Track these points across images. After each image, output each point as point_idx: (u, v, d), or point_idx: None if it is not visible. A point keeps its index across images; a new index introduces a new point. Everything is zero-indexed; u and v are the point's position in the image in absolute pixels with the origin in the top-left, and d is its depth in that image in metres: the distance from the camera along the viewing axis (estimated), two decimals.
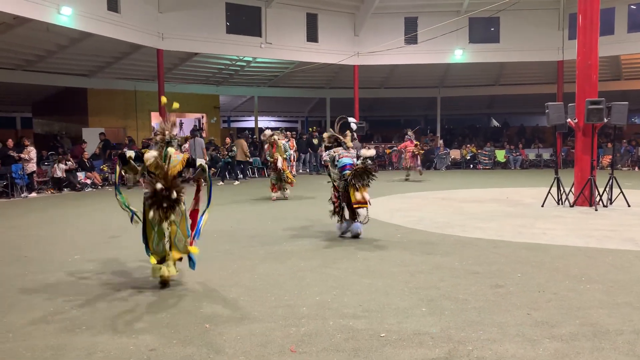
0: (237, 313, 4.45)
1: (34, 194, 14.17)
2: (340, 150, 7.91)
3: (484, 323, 4.12)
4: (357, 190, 7.39)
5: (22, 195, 13.74)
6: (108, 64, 18.92)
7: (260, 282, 5.40)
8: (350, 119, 8.43)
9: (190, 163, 5.40)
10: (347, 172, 7.57)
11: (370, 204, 7.56)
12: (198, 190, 5.72)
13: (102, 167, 16.88)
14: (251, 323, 4.20)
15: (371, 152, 7.77)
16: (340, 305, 4.59)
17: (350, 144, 8.04)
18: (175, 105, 5.38)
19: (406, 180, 16.73)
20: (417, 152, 16.95)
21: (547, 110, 10.50)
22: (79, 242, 7.64)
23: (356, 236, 7.64)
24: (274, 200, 12.15)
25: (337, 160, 7.76)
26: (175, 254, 5.27)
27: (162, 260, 5.22)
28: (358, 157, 7.72)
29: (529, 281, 5.26)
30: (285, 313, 4.42)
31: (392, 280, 5.37)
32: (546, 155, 22.92)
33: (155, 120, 21.20)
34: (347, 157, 7.74)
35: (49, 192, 14.72)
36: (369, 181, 7.47)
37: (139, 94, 21.05)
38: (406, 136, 17.62)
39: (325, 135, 8.47)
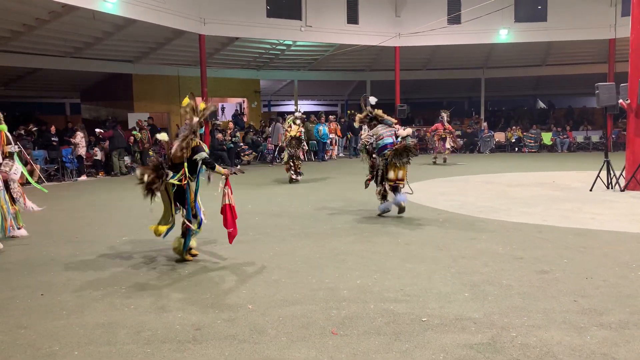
0: (279, 295, 4.51)
1: (83, 177, 14.66)
2: (380, 129, 7.91)
3: (528, 309, 4.04)
4: (398, 168, 7.59)
5: (73, 179, 14.24)
6: (152, 50, 19.25)
7: (301, 264, 5.46)
8: (371, 98, 8.39)
9: (195, 151, 5.52)
10: (387, 151, 7.63)
11: (405, 184, 7.75)
12: (225, 185, 5.72)
13: (150, 152, 17.27)
14: (293, 305, 4.26)
15: (407, 131, 7.90)
16: (381, 289, 4.59)
17: (391, 119, 8.09)
18: (185, 101, 5.79)
19: (434, 164, 16.44)
20: (443, 136, 16.66)
21: (597, 91, 10.10)
22: (127, 224, 7.88)
23: (401, 210, 7.77)
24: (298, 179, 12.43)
25: (378, 141, 7.80)
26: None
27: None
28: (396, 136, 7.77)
29: (576, 267, 5.12)
30: (326, 296, 4.46)
31: (434, 264, 5.33)
32: (595, 137, 22.09)
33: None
34: (388, 136, 7.80)
35: (99, 175, 15.19)
36: (408, 159, 7.62)
37: (182, 79, 21.37)
38: (439, 118, 17.36)
39: (359, 116, 8.46)
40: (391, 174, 7.68)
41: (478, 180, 12.47)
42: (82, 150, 14.71)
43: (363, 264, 5.43)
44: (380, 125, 8.02)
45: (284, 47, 21.81)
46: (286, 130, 12.55)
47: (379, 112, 8.20)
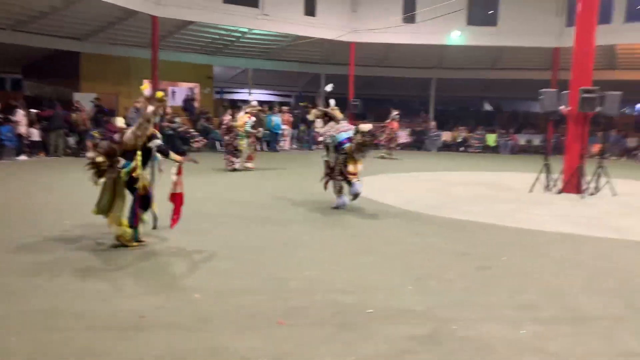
0: (227, 284, 4.51)
1: (23, 157, 14.05)
2: (338, 125, 8.11)
3: (468, 303, 4.21)
4: (355, 162, 7.79)
5: (12, 158, 13.61)
6: (102, 29, 18.57)
7: (251, 254, 5.46)
8: (328, 85, 8.54)
9: (149, 139, 5.48)
10: (347, 145, 7.80)
11: (359, 176, 7.92)
12: (177, 173, 5.71)
13: (93, 132, 16.71)
14: (241, 295, 4.27)
15: (368, 126, 8.06)
16: (329, 281, 4.67)
17: (340, 115, 8.34)
18: (145, 86, 5.65)
19: (381, 157, 16.97)
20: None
21: (541, 97, 10.55)
22: (69, 208, 7.63)
23: (356, 196, 7.92)
24: (253, 168, 12.59)
25: (336, 135, 7.97)
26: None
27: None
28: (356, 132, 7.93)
29: (514, 265, 5.37)
30: (275, 286, 4.49)
31: (382, 258, 5.46)
32: (537, 141, 23.03)
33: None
34: (344, 131, 7.99)
35: (39, 155, 14.59)
36: (365, 154, 7.84)
37: (132, 60, 20.74)
38: (395, 115, 18.08)
39: (313, 112, 8.59)
40: (351, 168, 7.86)
41: (425, 177, 12.79)
42: (22, 129, 14.09)
43: (313, 255, 5.49)
44: (332, 122, 8.17)
45: (240, 35, 21.54)
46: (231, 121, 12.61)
47: (335, 111, 8.34)
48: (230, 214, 7.47)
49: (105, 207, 5.48)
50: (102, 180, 5.42)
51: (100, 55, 19.95)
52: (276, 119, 19.25)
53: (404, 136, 22.68)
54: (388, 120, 18.12)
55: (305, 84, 31.28)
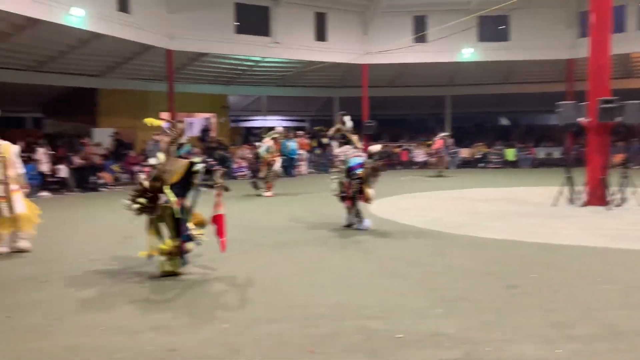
0: (253, 313, 4.48)
1: (46, 193, 14.27)
2: (349, 149, 8.22)
3: (500, 324, 4.12)
4: (369, 187, 7.85)
5: (36, 195, 13.83)
6: (118, 65, 19.03)
7: (275, 281, 5.43)
8: (346, 117, 8.67)
9: (190, 170, 5.55)
10: (359, 171, 7.77)
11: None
12: (217, 195, 5.77)
13: (113, 167, 16.98)
14: (268, 323, 4.23)
15: (377, 147, 8.32)
16: (356, 306, 4.61)
17: (358, 143, 8.42)
18: (155, 122, 5.81)
19: (438, 176, 17.77)
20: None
21: (558, 110, 10.46)
22: (94, 242, 7.70)
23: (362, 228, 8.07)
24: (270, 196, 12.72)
25: (348, 160, 8.04)
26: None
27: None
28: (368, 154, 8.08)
29: (543, 282, 5.26)
30: (302, 313, 4.45)
31: (407, 280, 5.39)
32: (556, 154, 22.80)
33: (165, 120, 21.28)
34: (357, 156, 8.07)
35: (62, 192, 14.80)
36: (376, 178, 7.94)
37: (149, 94, 21.14)
38: (441, 135, 18.76)
39: (332, 130, 8.69)
40: (367, 193, 7.89)
41: (445, 195, 12.69)
42: (44, 167, 14.34)
43: (336, 280, 5.44)
44: (348, 146, 8.27)
45: (253, 63, 21.88)
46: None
47: (353, 136, 8.45)
48: (250, 241, 7.46)
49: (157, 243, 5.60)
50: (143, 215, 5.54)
51: (118, 90, 20.40)
52: (292, 144, 19.35)
53: (421, 155, 22.66)
54: (436, 139, 18.38)
55: (319, 107, 31.49)
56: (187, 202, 5.62)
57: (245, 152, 18.95)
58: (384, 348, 3.71)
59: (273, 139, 13.02)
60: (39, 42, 15.44)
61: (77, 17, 13.50)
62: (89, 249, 7.16)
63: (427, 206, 10.90)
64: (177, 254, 5.60)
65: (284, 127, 14.09)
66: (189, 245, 5.65)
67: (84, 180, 15.17)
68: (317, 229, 8.36)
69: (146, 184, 5.58)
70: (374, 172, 7.84)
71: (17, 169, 7.04)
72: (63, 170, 14.92)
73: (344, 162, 8.09)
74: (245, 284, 5.35)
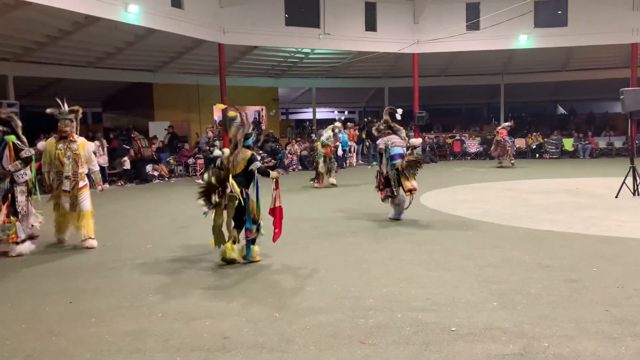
0: (304, 303, 4.51)
1: (106, 185, 14.82)
2: (393, 138, 8.19)
3: (559, 319, 3.98)
4: (408, 179, 7.87)
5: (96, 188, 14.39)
6: (172, 59, 19.47)
7: (326, 272, 5.45)
8: (398, 110, 8.67)
9: (251, 161, 5.77)
10: (398, 161, 7.94)
11: (416, 191, 8.09)
12: (275, 188, 5.92)
13: (168, 159, 17.45)
14: (319, 313, 4.25)
15: (418, 140, 8.47)
16: (407, 298, 4.56)
17: (404, 132, 8.43)
18: (220, 105, 5.89)
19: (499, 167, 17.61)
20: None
21: (622, 96, 9.97)
22: (151, 232, 7.96)
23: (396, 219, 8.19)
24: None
25: (390, 148, 8.08)
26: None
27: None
28: (407, 147, 8.13)
29: (605, 276, 5.04)
30: (353, 304, 4.44)
31: (460, 273, 5.28)
32: (618, 143, 21.78)
33: (217, 113, 21.70)
34: (398, 146, 8.11)
35: (120, 183, 15.35)
36: (416, 171, 7.95)
37: (201, 87, 21.57)
38: (505, 125, 18.39)
39: (379, 123, 8.70)
40: (407, 184, 7.90)
41: (500, 187, 12.35)
42: (100, 159, 14.86)
43: (388, 272, 5.40)
44: (393, 135, 8.25)
45: (303, 55, 21.90)
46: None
47: (400, 128, 8.44)
48: (301, 232, 7.50)
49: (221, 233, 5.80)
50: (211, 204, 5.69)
51: (171, 84, 20.93)
52: (342, 135, 19.30)
53: (474, 145, 22.16)
54: (499, 128, 18.17)
55: (369, 98, 31.30)
56: (251, 191, 5.80)
57: (295, 147, 19.04)
58: (436, 341, 3.66)
59: (333, 132, 13.10)
60: (97, 39, 15.99)
61: (132, 14, 13.88)
62: (146, 239, 7.40)
63: (481, 198, 10.65)
64: (238, 242, 5.84)
65: (341, 119, 14.08)
66: (253, 233, 5.83)
67: (139, 172, 15.62)
68: (367, 221, 8.32)
69: (212, 179, 5.73)
70: (414, 164, 7.85)
71: (92, 166, 7.15)
72: (123, 163, 15.40)
73: (385, 150, 8.10)
74: (298, 275, 5.40)
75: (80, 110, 7.20)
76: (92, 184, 7.41)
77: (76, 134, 7.08)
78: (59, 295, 4.91)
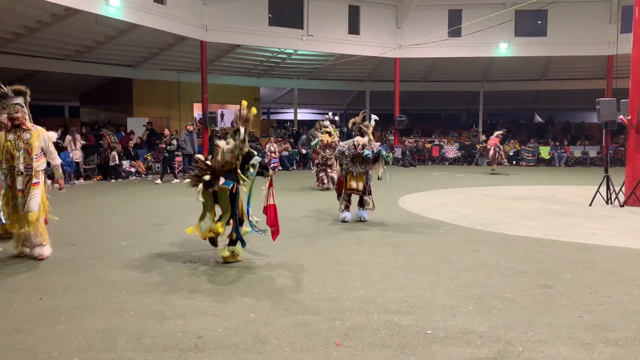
0: (280, 304, 4.46)
1: (81, 181, 14.59)
2: (361, 140, 8.26)
3: (533, 324, 4.00)
4: (356, 179, 8.15)
5: (71, 182, 14.16)
6: (153, 55, 19.27)
7: (303, 273, 5.41)
8: (373, 115, 8.72)
9: (247, 158, 5.76)
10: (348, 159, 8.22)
11: (360, 193, 8.27)
12: (268, 186, 5.91)
13: (146, 156, 17.23)
14: (295, 314, 4.21)
15: (363, 140, 8.33)
16: (384, 300, 4.55)
17: (371, 136, 8.47)
18: (254, 110, 5.97)
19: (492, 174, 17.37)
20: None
21: (598, 106, 10.14)
22: (125, 229, 7.82)
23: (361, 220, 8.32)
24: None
25: (356, 149, 8.14)
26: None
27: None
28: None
29: (579, 282, 5.09)
30: (329, 306, 4.41)
31: (437, 276, 5.29)
32: (593, 153, 22.20)
33: (198, 111, 21.52)
34: (367, 149, 8.17)
35: (95, 179, 15.11)
36: (364, 170, 8.17)
37: (182, 85, 21.38)
38: (497, 133, 18.33)
39: (350, 122, 8.88)
40: (352, 184, 8.15)
41: (477, 192, 12.47)
42: (74, 154, 14.61)
43: (365, 274, 5.38)
44: (359, 137, 8.34)
45: (285, 56, 21.88)
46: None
47: (369, 130, 8.47)
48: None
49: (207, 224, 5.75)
50: (200, 195, 5.68)
51: (152, 80, 20.70)
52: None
53: (453, 151, 22.36)
54: (492, 137, 18.18)
55: (350, 101, 31.40)
56: (243, 187, 5.76)
57: (274, 146, 18.97)
58: (412, 344, 3.64)
59: (327, 133, 12.89)
60: (76, 32, 15.72)
61: (114, 8, 13.69)
62: (121, 235, 7.27)
63: (458, 202, 10.72)
64: (234, 240, 5.80)
65: (330, 119, 14.00)
66: (245, 229, 5.84)
67: (114, 168, 15.37)
68: (346, 223, 8.30)
69: (209, 162, 5.75)
70: (359, 162, 8.06)
71: (52, 159, 6.12)
72: (113, 158, 15.11)
73: (342, 154, 8.24)
74: (274, 275, 5.34)
75: (29, 92, 6.03)
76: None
77: (30, 121, 6.04)
78: (28, 292, 4.78)
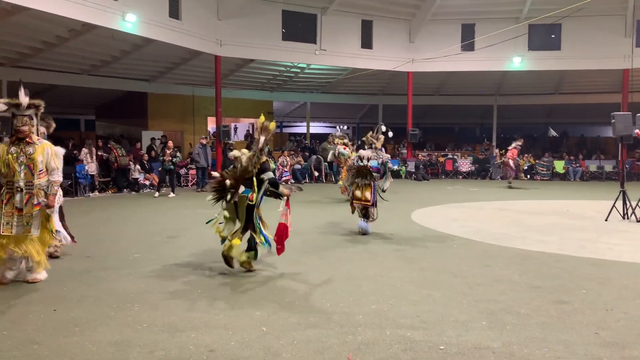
0: (292, 318, 4.45)
1: (95, 193, 14.74)
2: (364, 152, 8.49)
3: (548, 340, 3.95)
4: (362, 188, 8.25)
5: (86, 194, 14.30)
6: (168, 69, 19.51)
7: (315, 287, 5.40)
8: (382, 127, 9.02)
9: (262, 170, 5.86)
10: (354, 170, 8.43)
11: (369, 204, 8.28)
12: (285, 205, 5.99)
13: (160, 169, 17.33)
14: (307, 328, 4.20)
15: (387, 155, 8.75)
16: (397, 315, 4.52)
17: (379, 145, 8.74)
18: (273, 125, 6.05)
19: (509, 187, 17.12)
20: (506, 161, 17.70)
21: (613, 120, 10.06)
22: (139, 241, 7.87)
23: (363, 234, 8.33)
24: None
25: (362, 161, 8.36)
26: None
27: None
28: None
29: (595, 298, 5.03)
30: (341, 320, 4.39)
31: (450, 291, 5.25)
32: (608, 167, 21.96)
33: (211, 124, 21.69)
34: (374, 160, 8.38)
35: (110, 192, 15.25)
36: (369, 181, 8.24)
37: (196, 98, 21.60)
38: (515, 144, 17.87)
39: (364, 137, 9.10)
40: (357, 193, 8.28)
41: (491, 207, 12.38)
42: (90, 167, 14.77)
43: (378, 288, 5.36)
44: (367, 150, 8.58)
45: (298, 70, 22.03)
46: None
47: (377, 142, 8.74)
48: (291, 245, 7.42)
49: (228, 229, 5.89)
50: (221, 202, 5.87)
51: (166, 94, 20.94)
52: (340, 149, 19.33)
53: (466, 165, 22.25)
54: (510, 148, 17.82)
55: (362, 115, 31.46)
56: (258, 197, 5.85)
57: (287, 159, 19.03)
58: (424, 359, 3.61)
59: (344, 144, 13.15)
60: (93, 47, 15.98)
61: (130, 23, 13.91)
62: (134, 247, 7.32)
63: (472, 217, 10.65)
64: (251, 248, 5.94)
65: (340, 131, 14.15)
66: (259, 237, 5.92)
67: (118, 181, 15.47)
68: (358, 236, 8.29)
69: (230, 174, 5.88)
70: (364, 174, 8.21)
71: (53, 176, 5.57)
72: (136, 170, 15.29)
73: (358, 162, 8.39)
74: (287, 289, 5.34)
75: (42, 105, 5.63)
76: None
77: (37, 135, 5.65)
78: (43, 304, 4.82)
